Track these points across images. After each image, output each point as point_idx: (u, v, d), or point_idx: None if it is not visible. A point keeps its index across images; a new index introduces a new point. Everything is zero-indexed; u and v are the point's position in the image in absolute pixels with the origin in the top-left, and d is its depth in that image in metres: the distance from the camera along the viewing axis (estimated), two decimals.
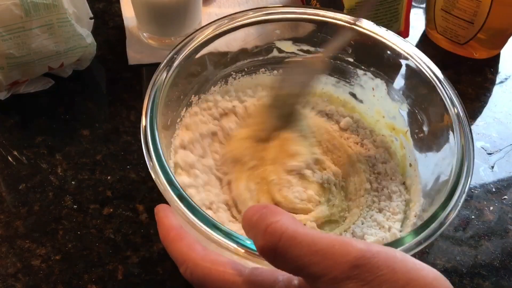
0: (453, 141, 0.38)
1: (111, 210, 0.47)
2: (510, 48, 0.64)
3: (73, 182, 0.49)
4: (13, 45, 0.49)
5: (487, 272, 0.45)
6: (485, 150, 0.55)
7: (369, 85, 0.47)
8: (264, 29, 0.45)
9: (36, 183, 0.48)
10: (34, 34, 0.49)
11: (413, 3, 0.62)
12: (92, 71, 0.58)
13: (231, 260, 0.29)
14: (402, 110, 0.45)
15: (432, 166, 0.40)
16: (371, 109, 0.48)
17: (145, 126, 0.36)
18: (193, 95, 0.45)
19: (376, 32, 0.44)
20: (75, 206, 0.47)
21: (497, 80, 0.62)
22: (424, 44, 0.65)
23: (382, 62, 0.45)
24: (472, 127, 0.56)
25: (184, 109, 0.44)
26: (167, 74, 0.39)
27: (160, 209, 0.33)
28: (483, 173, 0.53)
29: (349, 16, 0.45)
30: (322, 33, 0.45)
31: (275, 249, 0.25)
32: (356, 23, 0.44)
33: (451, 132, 0.39)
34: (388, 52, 0.44)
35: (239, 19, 0.43)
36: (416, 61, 0.42)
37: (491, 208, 0.50)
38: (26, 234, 0.45)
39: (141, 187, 0.48)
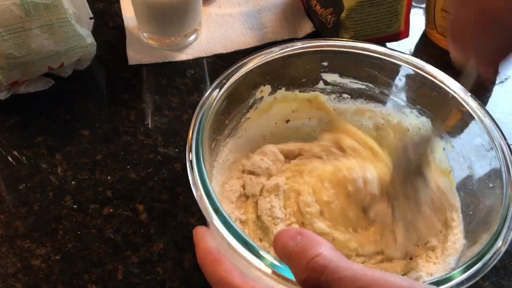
0: (499, 185, 0.38)
1: (111, 210, 0.47)
2: None
3: (73, 182, 0.49)
4: (13, 45, 0.49)
5: (487, 271, 0.45)
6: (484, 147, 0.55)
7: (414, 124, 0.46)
8: (311, 60, 0.45)
9: (36, 183, 0.48)
10: (34, 34, 0.49)
11: (413, 3, 0.62)
12: (92, 71, 0.58)
13: (269, 287, 0.29)
14: (447, 149, 0.44)
15: (474, 206, 0.40)
16: None
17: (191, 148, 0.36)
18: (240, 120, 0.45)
19: (429, 72, 0.44)
20: (75, 206, 0.47)
21: (497, 80, 0.62)
22: (424, 44, 0.65)
23: (430, 100, 0.44)
24: None
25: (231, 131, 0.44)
26: (216, 95, 0.39)
27: (198, 231, 0.33)
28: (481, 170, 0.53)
29: (403, 55, 0.44)
30: (369, 68, 0.45)
31: (317, 284, 0.25)
32: (402, 58, 0.43)
33: (498, 179, 0.38)
34: (435, 91, 0.43)
35: (290, 49, 0.43)
36: (462, 99, 0.42)
37: (487, 203, 0.50)
38: (26, 234, 0.45)
39: (141, 187, 0.48)
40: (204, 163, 0.35)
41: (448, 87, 0.43)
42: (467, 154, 0.42)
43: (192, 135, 0.36)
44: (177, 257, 0.44)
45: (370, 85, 0.46)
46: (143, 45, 0.60)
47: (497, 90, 0.61)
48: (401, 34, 0.60)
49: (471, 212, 0.41)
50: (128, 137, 0.52)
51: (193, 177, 0.34)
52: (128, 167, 0.50)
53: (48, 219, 0.46)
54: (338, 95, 0.47)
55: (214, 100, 0.39)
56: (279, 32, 0.63)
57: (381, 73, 0.45)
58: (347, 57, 0.44)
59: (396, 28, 0.59)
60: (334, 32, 0.58)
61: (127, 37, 0.61)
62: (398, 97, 0.46)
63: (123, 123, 0.53)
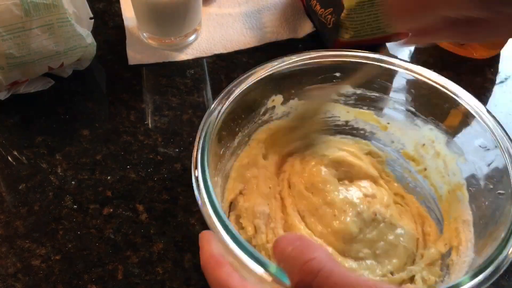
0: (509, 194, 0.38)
1: (111, 210, 0.47)
2: (510, 48, 0.64)
3: (73, 182, 0.49)
4: (13, 45, 0.49)
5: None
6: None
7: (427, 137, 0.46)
8: (324, 71, 0.45)
9: (36, 183, 0.48)
10: (34, 34, 0.49)
11: None
12: (92, 71, 0.58)
13: None
14: (460, 162, 0.43)
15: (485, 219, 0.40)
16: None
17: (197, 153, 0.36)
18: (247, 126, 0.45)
19: (436, 81, 0.43)
20: (75, 206, 0.47)
21: (497, 80, 0.62)
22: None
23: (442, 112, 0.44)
24: None
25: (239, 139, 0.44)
26: (223, 106, 0.39)
27: (204, 236, 0.33)
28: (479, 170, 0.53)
29: (414, 65, 0.44)
30: (381, 79, 0.45)
31: (310, 287, 0.25)
32: (415, 70, 0.44)
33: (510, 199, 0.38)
34: (448, 102, 0.43)
35: (298, 60, 0.43)
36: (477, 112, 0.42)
37: (486, 203, 0.50)
38: (26, 234, 0.45)
39: (141, 187, 0.48)
40: (209, 178, 0.35)
41: (461, 98, 0.43)
42: (475, 160, 0.42)
43: (197, 150, 0.36)
44: (177, 257, 0.44)
45: (383, 96, 0.46)
46: (143, 45, 0.60)
47: (497, 90, 0.61)
48: (401, 34, 0.60)
49: (482, 225, 0.41)
50: (128, 137, 0.52)
51: (200, 194, 0.34)
52: (128, 167, 0.50)
53: (48, 219, 0.46)
54: (353, 105, 0.47)
55: (221, 110, 0.39)
56: (279, 32, 0.63)
57: (392, 83, 0.45)
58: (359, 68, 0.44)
59: (396, 28, 0.59)
60: (334, 32, 0.58)
61: (127, 37, 0.61)
62: (411, 107, 0.46)
63: (123, 123, 0.53)
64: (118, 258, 0.44)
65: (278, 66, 0.42)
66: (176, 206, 0.47)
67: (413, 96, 0.45)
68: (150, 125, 0.54)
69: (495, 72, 0.63)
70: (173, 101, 0.56)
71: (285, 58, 0.43)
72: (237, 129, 0.43)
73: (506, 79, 0.62)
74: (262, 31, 0.63)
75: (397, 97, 0.46)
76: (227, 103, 0.40)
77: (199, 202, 0.34)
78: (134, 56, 0.59)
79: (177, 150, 0.51)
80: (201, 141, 0.37)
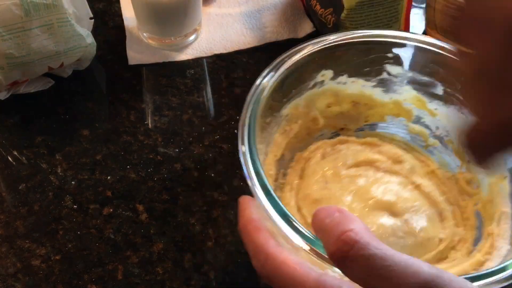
0: None
1: (111, 210, 0.47)
2: None
3: (73, 182, 0.49)
4: (13, 45, 0.49)
5: None
6: None
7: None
8: (377, 51, 0.44)
9: (36, 183, 0.48)
10: (34, 34, 0.49)
11: (413, 3, 0.62)
12: (92, 71, 0.58)
13: (302, 260, 0.29)
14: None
15: None
16: None
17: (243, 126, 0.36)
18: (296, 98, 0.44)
19: None
20: (75, 206, 0.47)
21: None
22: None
23: None
24: None
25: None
26: (272, 76, 0.39)
27: (244, 201, 0.34)
28: None
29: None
30: (435, 64, 0.44)
31: (346, 257, 0.25)
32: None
33: None
34: None
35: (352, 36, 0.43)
36: None
37: None
38: (26, 234, 0.45)
39: (141, 187, 0.48)
40: (257, 150, 0.35)
41: None
42: None
43: (245, 119, 0.36)
44: (177, 257, 0.44)
45: (435, 81, 0.45)
46: (143, 45, 0.60)
47: None
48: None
49: None
50: (128, 137, 0.52)
51: (247, 169, 0.34)
52: (128, 167, 0.50)
53: (48, 219, 0.46)
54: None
55: (269, 84, 0.39)
56: (279, 32, 0.63)
57: (444, 69, 0.43)
58: (413, 51, 0.44)
59: (396, 28, 0.59)
60: (334, 32, 0.58)
61: (127, 37, 0.61)
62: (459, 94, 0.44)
63: (123, 123, 0.53)
64: (118, 258, 0.44)
65: (332, 40, 0.42)
66: (176, 206, 0.47)
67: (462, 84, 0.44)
68: (150, 125, 0.54)
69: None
70: (173, 101, 0.56)
71: (339, 34, 0.43)
72: (284, 99, 0.43)
73: None
74: (262, 31, 0.63)
75: (448, 83, 0.44)
76: (277, 74, 0.40)
77: (247, 177, 0.34)
78: (134, 56, 0.59)
79: (177, 150, 0.51)
80: (249, 109, 0.37)
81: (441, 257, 0.41)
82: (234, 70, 0.59)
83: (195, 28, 0.60)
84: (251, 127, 0.36)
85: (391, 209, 0.41)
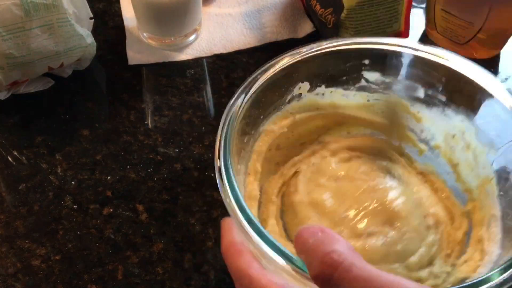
0: None
1: (111, 210, 0.47)
2: (510, 48, 0.64)
3: (73, 182, 0.49)
4: (13, 45, 0.49)
5: None
6: None
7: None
8: (353, 58, 0.44)
9: (36, 183, 0.48)
10: (34, 34, 0.49)
11: (413, 3, 0.62)
12: (92, 71, 0.58)
13: (286, 282, 0.29)
14: (490, 155, 0.42)
15: None
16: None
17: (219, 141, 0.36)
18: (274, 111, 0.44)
19: (467, 71, 0.42)
20: (75, 206, 0.47)
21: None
22: (424, 44, 0.65)
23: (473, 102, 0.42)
24: None
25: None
26: (246, 94, 0.39)
27: (225, 223, 0.33)
28: None
29: (444, 51, 0.42)
30: (414, 68, 0.44)
31: (330, 279, 0.25)
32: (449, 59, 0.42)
33: None
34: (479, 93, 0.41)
35: (326, 46, 0.42)
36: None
37: None
38: (26, 234, 0.45)
39: (141, 187, 0.48)
40: (233, 170, 0.34)
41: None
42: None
43: (220, 140, 0.36)
44: (177, 257, 0.44)
45: (415, 84, 0.44)
46: (143, 45, 0.60)
47: None
48: (401, 34, 0.60)
49: (510, 220, 0.39)
50: (128, 137, 0.52)
51: (223, 187, 0.33)
52: (128, 167, 0.50)
53: (48, 219, 0.46)
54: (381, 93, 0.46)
55: (242, 103, 0.38)
56: (279, 32, 0.62)
57: (424, 72, 0.43)
58: (388, 56, 0.43)
59: (396, 28, 0.59)
60: (334, 32, 0.58)
61: (127, 37, 0.61)
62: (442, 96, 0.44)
63: (123, 123, 0.53)
64: (118, 258, 0.44)
65: (306, 52, 0.42)
66: (176, 206, 0.47)
67: (444, 85, 0.44)
68: (150, 125, 0.54)
69: (495, 72, 0.63)
70: (173, 101, 0.56)
71: (312, 45, 0.42)
72: (261, 116, 0.42)
73: (506, 79, 0.62)
74: (262, 31, 0.63)
75: (429, 85, 0.44)
76: (251, 91, 0.39)
77: (222, 194, 0.33)
78: (134, 56, 0.59)
79: (177, 150, 0.51)
80: (224, 130, 0.37)
81: (430, 262, 0.41)
82: (234, 70, 0.59)
83: (195, 28, 0.60)
84: (226, 147, 0.36)
85: (380, 216, 0.41)
